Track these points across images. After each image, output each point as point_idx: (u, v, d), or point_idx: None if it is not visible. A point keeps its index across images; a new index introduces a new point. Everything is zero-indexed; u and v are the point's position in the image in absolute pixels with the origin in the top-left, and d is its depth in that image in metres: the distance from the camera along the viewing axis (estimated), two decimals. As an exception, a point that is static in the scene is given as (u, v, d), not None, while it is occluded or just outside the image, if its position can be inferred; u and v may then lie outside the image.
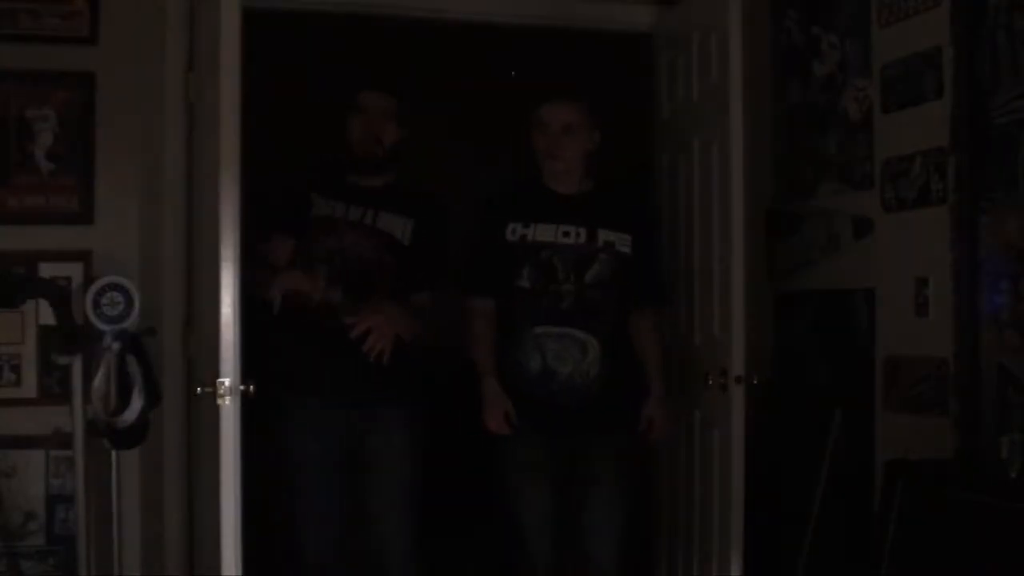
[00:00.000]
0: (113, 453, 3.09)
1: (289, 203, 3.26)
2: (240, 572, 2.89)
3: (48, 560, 3.24)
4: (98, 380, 3.04)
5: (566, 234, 3.22)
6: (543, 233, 3.22)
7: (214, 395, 2.73)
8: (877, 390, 3.21)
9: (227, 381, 2.71)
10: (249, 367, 2.76)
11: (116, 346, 3.06)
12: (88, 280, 3.20)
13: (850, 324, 3.35)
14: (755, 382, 3.22)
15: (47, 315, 3.13)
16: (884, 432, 3.18)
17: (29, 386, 3.24)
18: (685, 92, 3.64)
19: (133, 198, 3.33)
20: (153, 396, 3.09)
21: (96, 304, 3.08)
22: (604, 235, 3.23)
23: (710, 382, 3.27)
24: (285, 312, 3.01)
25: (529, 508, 3.19)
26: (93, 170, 3.30)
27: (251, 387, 2.76)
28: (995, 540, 2.39)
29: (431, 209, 3.34)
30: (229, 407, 2.75)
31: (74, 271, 3.25)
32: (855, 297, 3.33)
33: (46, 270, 3.23)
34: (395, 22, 3.90)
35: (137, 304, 3.11)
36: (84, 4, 3.28)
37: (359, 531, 3.21)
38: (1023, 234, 2.72)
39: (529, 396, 3.17)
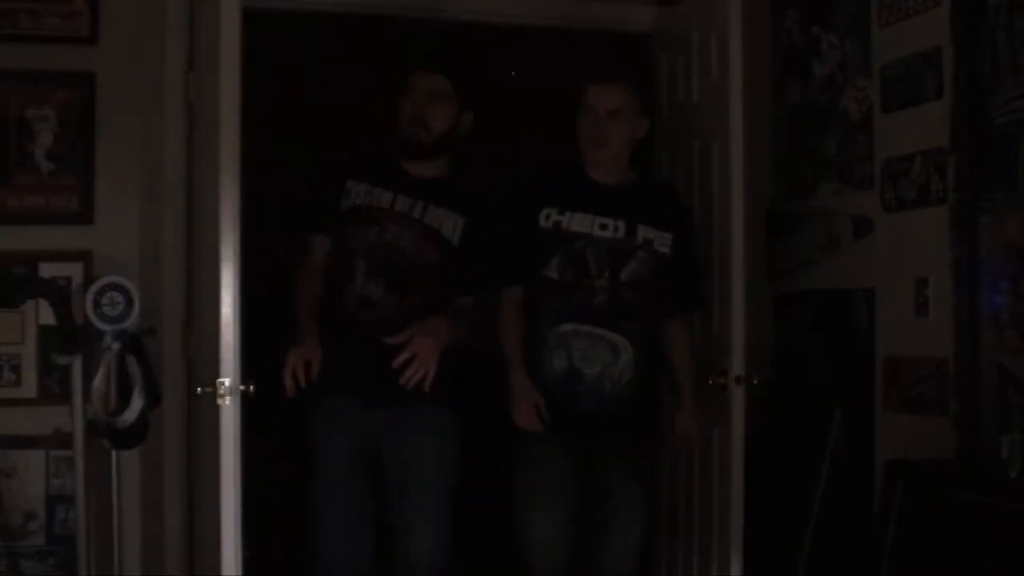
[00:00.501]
0: (113, 453, 3.09)
1: (323, 196, 3.07)
2: (240, 572, 2.89)
3: (48, 560, 3.24)
4: (98, 380, 3.04)
5: (603, 226, 3.01)
6: (579, 223, 3.00)
7: (214, 395, 2.73)
8: (877, 390, 3.21)
9: (227, 381, 2.71)
10: (249, 366, 2.73)
11: (116, 346, 3.06)
12: (88, 280, 3.20)
13: (850, 324, 3.35)
14: (755, 382, 3.22)
15: (47, 315, 3.13)
16: (884, 432, 3.18)
17: (29, 386, 3.24)
18: (685, 92, 3.64)
19: (133, 198, 3.33)
20: (153, 396, 3.09)
21: (96, 304, 3.08)
22: (644, 232, 3.03)
23: (710, 382, 3.26)
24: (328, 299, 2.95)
25: (540, 512, 2.97)
26: (93, 170, 3.30)
27: (251, 387, 2.73)
28: (995, 540, 2.39)
29: (484, 208, 3.08)
30: (229, 407, 2.74)
31: (74, 271, 3.25)
32: (855, 297, 3.33)
33: (46, 270, 3.23)
34: (395, 22, 3.90)
35: (137, 304, 3.11)
36: (84, 4, 3.28)
37: (388, 543, 3.00)
38: (1023, 234, 2.72)
39: (550, 396, 2.96)
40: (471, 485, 3.04)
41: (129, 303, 3.10)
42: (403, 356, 2.75)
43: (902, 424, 3.10)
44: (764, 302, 3.72)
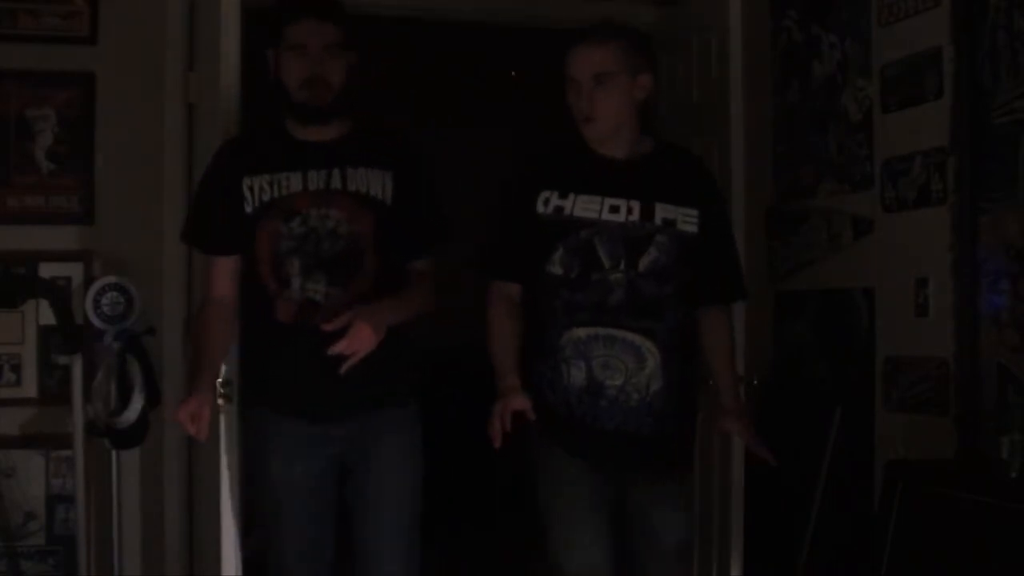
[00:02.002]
0: (113, 453, 3.10)
1: (211, 209, 2.64)
2: (240, 572, 2.90)
3: (48, 560, 3.24)
4: (98, 380, 3.05)
5: (614, 209, 2.56)
6: (585, 207, 2.56)
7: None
8: (877, 390, 3.20)
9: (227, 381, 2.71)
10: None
11: (116, 346, 3.07)
12: (88, 280, 3.21)
13: (850, 324, 3.35)
14: (755, 382, 3.22)
15: (47, 315, 3.14)
16: (884, 432, 3.17)
17: (29, 386, 3.25)
18: (685, 92, 3.64)
19: (133, 198, 3.33)
20: (153, 396, 3.09)
21: (96, 304, 3.09)
22: (663, 210, 2.57)
23: (710, 382, 3.24)
24: (258, 314, 2.62)
25: (578, 551, 2.54)
26: (93, 170, 3.30)
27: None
28: (995, 540, 2.38)
29: (409, 154, 2.70)
30: (229, 407, 2.75)
31: (74, 271, 3.25)
32: (855, 297, 3.33)
33: (46, 270, 3.24)
34: (395, 22, 3.91)
35: (137, 304, 3.11)
36: (84, 4, 3.29)
37: (347, 567, 2.71)
38: (1023, 234, 2.71)
39: (568, 417, 2.56)
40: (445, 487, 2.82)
41: (129, 303, 3.10)
42: (340, 344, 2.43)
43: (902, 424, 3.10)
44: (764, 302, 3.72)
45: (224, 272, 2.64)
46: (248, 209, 2.58)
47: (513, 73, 6.09)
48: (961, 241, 2.88)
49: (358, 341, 2.45)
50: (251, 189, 2.58)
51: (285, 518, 2.63)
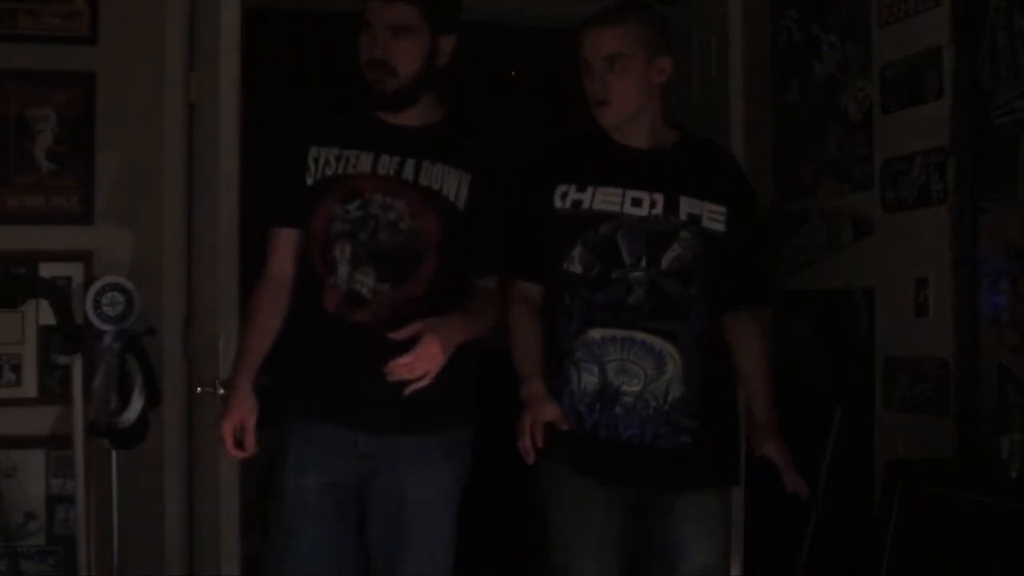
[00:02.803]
0: (113, 453, 3.09)
1: (282, 174, 2.45)
2: (240, 572, 2.90)
3: (48, 560, 3.24)
4: (98, 380, 3.05)
5: (636, 202, 2.38)
6: (604, 199, 2.38)
7: (214, 395, 2.74)
8: (877, 390, 3.20)
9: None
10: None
11: (116, 346, 3.07)
12: (88, 280, 3.21)
13: (850, 324, 3.35)
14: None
15: (47, 315, 3.14)
16: (884, 432, 3.17)
17: (29, 386, 3.24)
18: (685, 92, 3.64)
19: (133, 198, 3.33)
20: (153, 396, 3.09)
21: (96, 304, 3.09)
22: (689, 204, 2.39)
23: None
24: (304, 299, 2.40)
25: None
26: (93, 170, 3.30)
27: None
28: (995, 540, 2.38)
29: (494, 161, 2.46)
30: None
31: (74, 271, 3.25)
32: (855, 297, 3.33)
33: (46, 270, 3.24)
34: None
35: (137, 304, 3.11)
36: (84, 4, 3.28)
37: None
38: (1023, 234, 2.72)
39: (579, 427, 2.36)
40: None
41: (129, 303, 3.10)
42: (404, 359, 2.18)
43: (902, 424, 3.10)
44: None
45: (284, 245, 2.43)
46: (309, 181, 2.39)
47: (513, 73, 6.09)
48: (961, 241, 2.88)
49: (426, 360, 2.20)
50: (316, 160, 2.39)
51: (295, 539, 2.35)
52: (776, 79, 3.77)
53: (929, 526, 2.59)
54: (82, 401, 3.02)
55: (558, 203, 2.42)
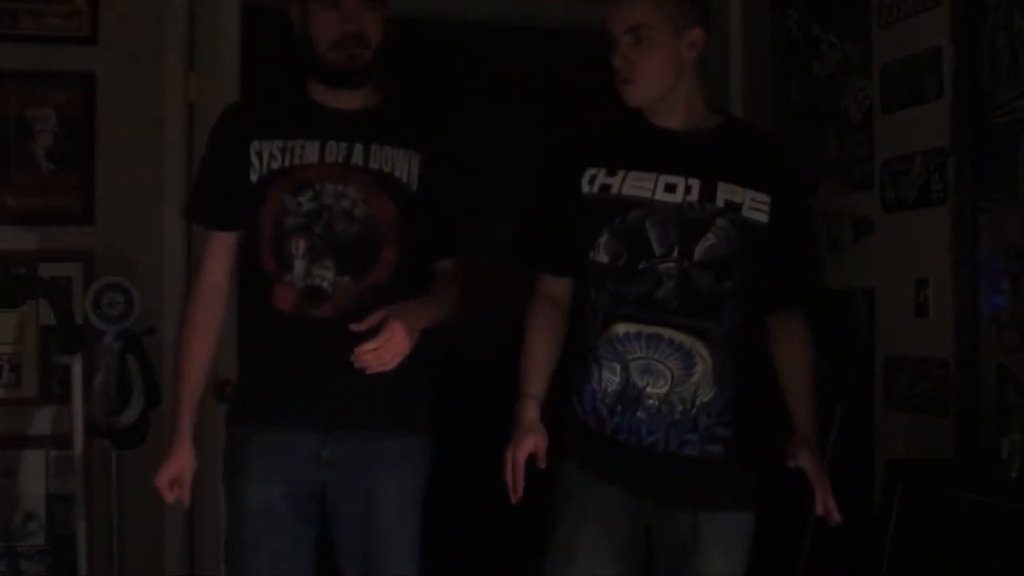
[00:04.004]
0: (113, 453, 3.09)
1: (216, 174, 2.34)
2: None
3: (48, 560, 3.24)
4: (98, 380, 3.05)
5: (670, 187, 2.17)
6: (635, 184, 2.19)
7: (214, 394, 2.73)
8: (877, 390, 3.20)
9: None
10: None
11: (116, 346, 3.07)
12: (88, 280, 3.20)
13: (850, 324, 3.35)
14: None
15: (47, 315, 3.14)
16: (884, 432, 3.17)
17: (29, 386, 3.24)
18: (685, 92, 3.64)
19: (133, 198, 3.33)
20: (153, 396, 3.09)
21: (96, 304, 3.08)
22: (727, 191, 2.18)
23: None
24: (253, 302, 2.30)
25: None
26: (93, 170, 3.30)
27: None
28: (995, 540, 2.38)
29: (443, 138, 2.37)
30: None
31: (74, 271, 3.25)
32: (855, 297, 3.33)
33: (46, 270, 3.24)
34: (394, 22, 3.90)
35: (137, 304, 3.11)
36: (84, 4, 3.28)
37: None
38: (1023, 234, 2.71)
39: (598, 430, 2.21)
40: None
41: (129, 303, 3.10)
42: (370, 345, 2.08)
43: (902, 424, 3.10)
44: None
45: (221, 251, 2.34)
46: (254, 177, 2.26)
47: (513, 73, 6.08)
48: (961, 241, 2.88)
49: (391, 346, 2.11)
50: (259, 155, 2.26)
51: (256, 553, 2.26)
52: (776, 79, 3.77)
53: (929, 526, 2.59)
54: (82, 401, 3.02)
55: (585, 188, 2.23)
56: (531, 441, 2.16)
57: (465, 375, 4.51)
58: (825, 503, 2.25)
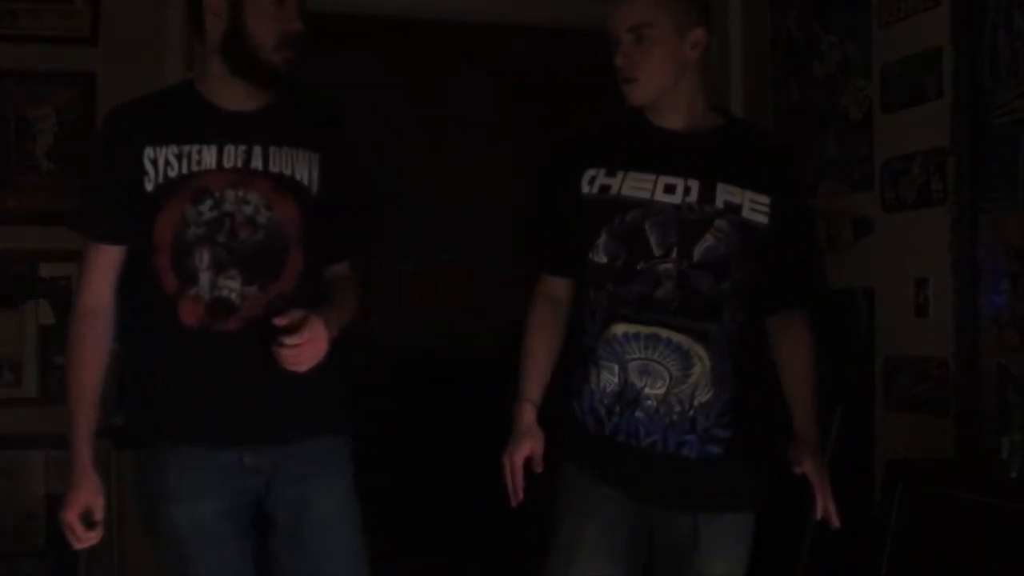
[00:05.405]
0: (113, 453, 3.09)
1: (104, 184, 2.18)
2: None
3: (48, 560, 3.24)
4: (98, 380, 3.04)
5: (669, 188, 2.17)
6: (634, 184, 2.19)
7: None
8: (877, 390, 3.21)
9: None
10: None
11: (116, 346, 3.06)
12: (88, 280, 3.20)
13: (850, 324, 3.35)
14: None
15: (47, 315, 3.14)
16: (884, 432, 3.18)
17: (29, 386, 3.25)
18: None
19: (133, 198, 3.33)
20: (153, 396, 3.08)
21: (96, 304, 3.08)
22: (726, 192, 2.18)
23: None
24: (153, 320, 2.16)
25: None
26: (93, 170, 3.30)
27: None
28: (995, 540, 2.39)
29: (340, 136, 2.28)
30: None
31: (74, 271, 3.25)
32: (855, 297, 3.33)
33: (46, 270, 3.24)
34: (394, 22, 3.91)
35: (137, 304, 3.10)
36: (84, 4, 3.29)
37: None
38: (1023, 234, 2.72)
39: (597, 431, 2.22)
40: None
41: (129, 303, 3.09)
42: (292, 340, 2.02)
43: (902, 424, 3.10)
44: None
45: (105, 268, 2.17)
46: (149, 186, 2.11)
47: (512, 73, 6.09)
48: (961, 241, 2.88)
49: (312, 346, 2.05)
50: (154, 162, 2.11)
51: (198, 567, 2.15)
52: (776, 79, 3.77)
53: (929, 526, 2.59)
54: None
55: (585, 188, 2.23)
56: (528, 445, 2.18)
57: (465, 375, 4.51)
58: (825, 507, 2.24)
